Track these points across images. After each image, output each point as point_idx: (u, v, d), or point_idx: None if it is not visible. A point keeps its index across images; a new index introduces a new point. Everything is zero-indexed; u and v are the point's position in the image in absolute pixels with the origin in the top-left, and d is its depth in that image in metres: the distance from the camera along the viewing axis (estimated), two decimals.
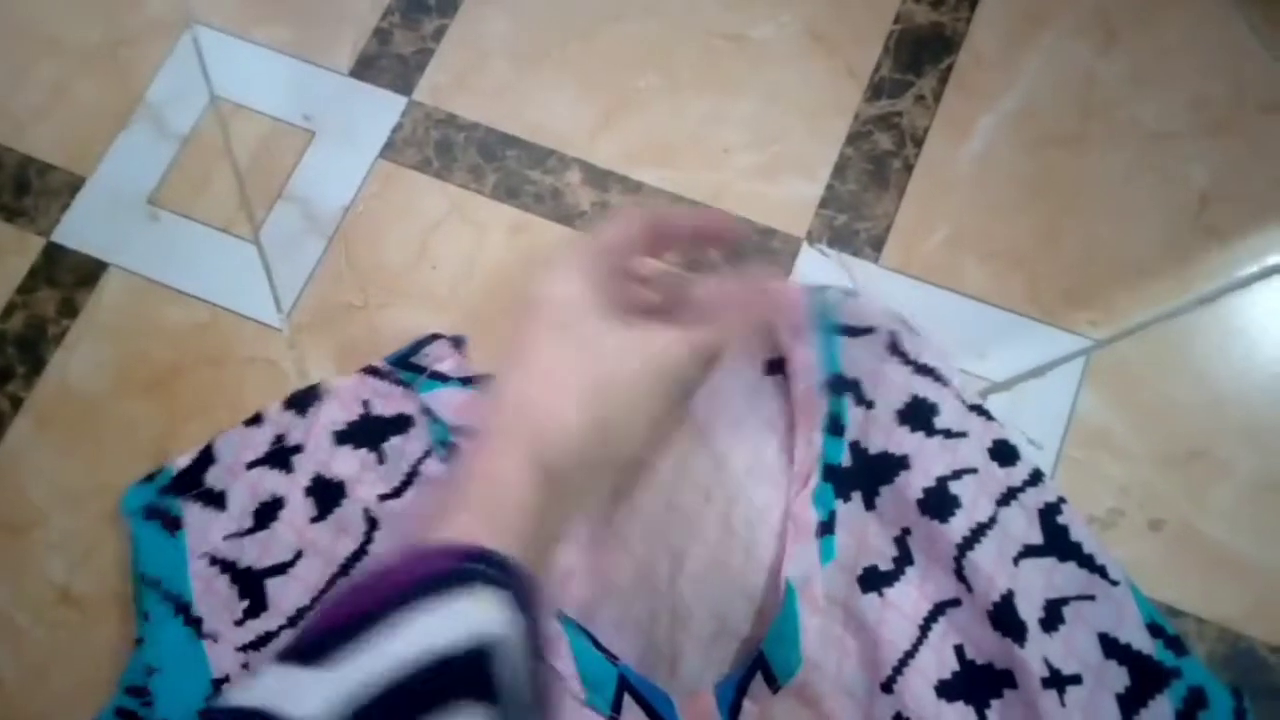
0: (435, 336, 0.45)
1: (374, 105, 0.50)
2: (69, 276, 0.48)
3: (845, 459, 0.41)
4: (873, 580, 0.40)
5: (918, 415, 0.41)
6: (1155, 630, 0.39)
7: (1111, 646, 0.38)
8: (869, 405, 0.41)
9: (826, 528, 0.41)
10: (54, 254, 0.48)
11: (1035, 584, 0.39)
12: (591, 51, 0.51)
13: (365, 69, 0.51)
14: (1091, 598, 0.39)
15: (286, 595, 0.40)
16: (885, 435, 0.41)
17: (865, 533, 0.41)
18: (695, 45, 0.51)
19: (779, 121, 0.49)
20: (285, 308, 0.47)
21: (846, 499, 0.41)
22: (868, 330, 0.42)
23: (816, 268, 0.47)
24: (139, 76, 0.51)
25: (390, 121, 0.50)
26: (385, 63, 0.51)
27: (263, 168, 0.49)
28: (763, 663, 0.38)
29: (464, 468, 0.32)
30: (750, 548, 0.42)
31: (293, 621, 0.39)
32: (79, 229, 0.49)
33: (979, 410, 0.42)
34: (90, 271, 0.48)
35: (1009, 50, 0.49)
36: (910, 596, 0.40)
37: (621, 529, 0.42)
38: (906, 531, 0.41)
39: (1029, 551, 0.40)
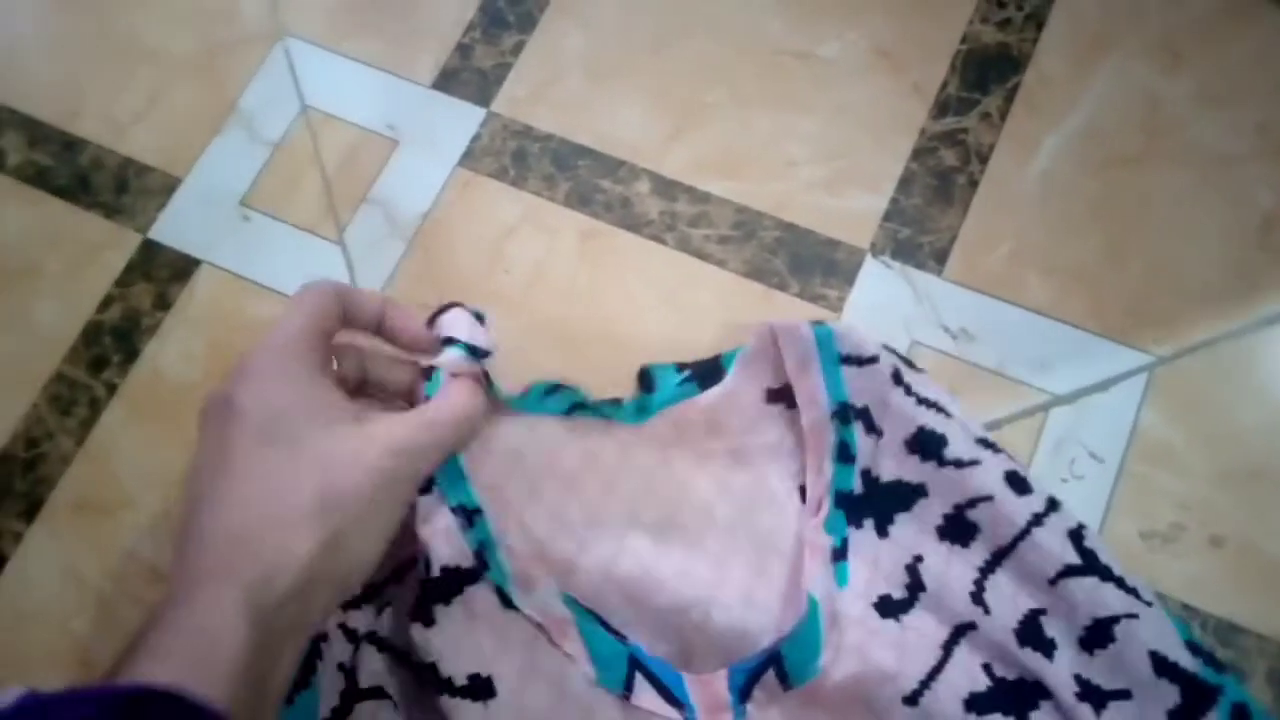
0: (453, 305, 0.42)
1: (454, 116, 0.52)
2: (164, 272, 0.50)
3: (857, 486, 0.42)
4: (888, 608, 0.41)
5: (927, 446, 0.41)
6: (1193, 649, 0.39)
7: (1162, 665, 0.38)
8: (879, 434, 0.42)
9: (839, 554, 0.41)
10: (150, 250, 0.51)
11: (1080, 603, 0.39)
12: (662, 67, 0.53)
13: (447, 82, 0.53)
14: (1136, 616, 0.39)
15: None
16: (897, 464, 0.42)
17: (877, 560, 0.41)
18: (762, 62, 0.52)
19: (844, 136, 0.50)
20: None
21: (859, 525, 0.42)
22: (871, 360, 0.42)
23: (880, 279, 0.48)
24: (233, 85, 0.54)
25: (469, 131, 0.52)
26: (466, 76, 0.53)
27: (348, 173, 0.52)
28: (778, 661, 0.39)
29: (163, 614, 0.27)
30: (760, 568, 0.41)
31: (366, 595, 0.40)
32: (174, 227, 0.51)
33: (986, 443, 0.42)
34: (184, 267, 0.50)
35: (1075, 71, 0.50)
36: (928, 622, 0.40)
37: (626, 536, 0.41)
38: (919, 559, 0.41)
39: (1070, 571, 0.39)
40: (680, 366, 0.45)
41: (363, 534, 0.31)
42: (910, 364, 0.43)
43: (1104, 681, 0.39)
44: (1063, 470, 0.44)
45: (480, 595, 0.39)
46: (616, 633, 0.40)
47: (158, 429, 0.48)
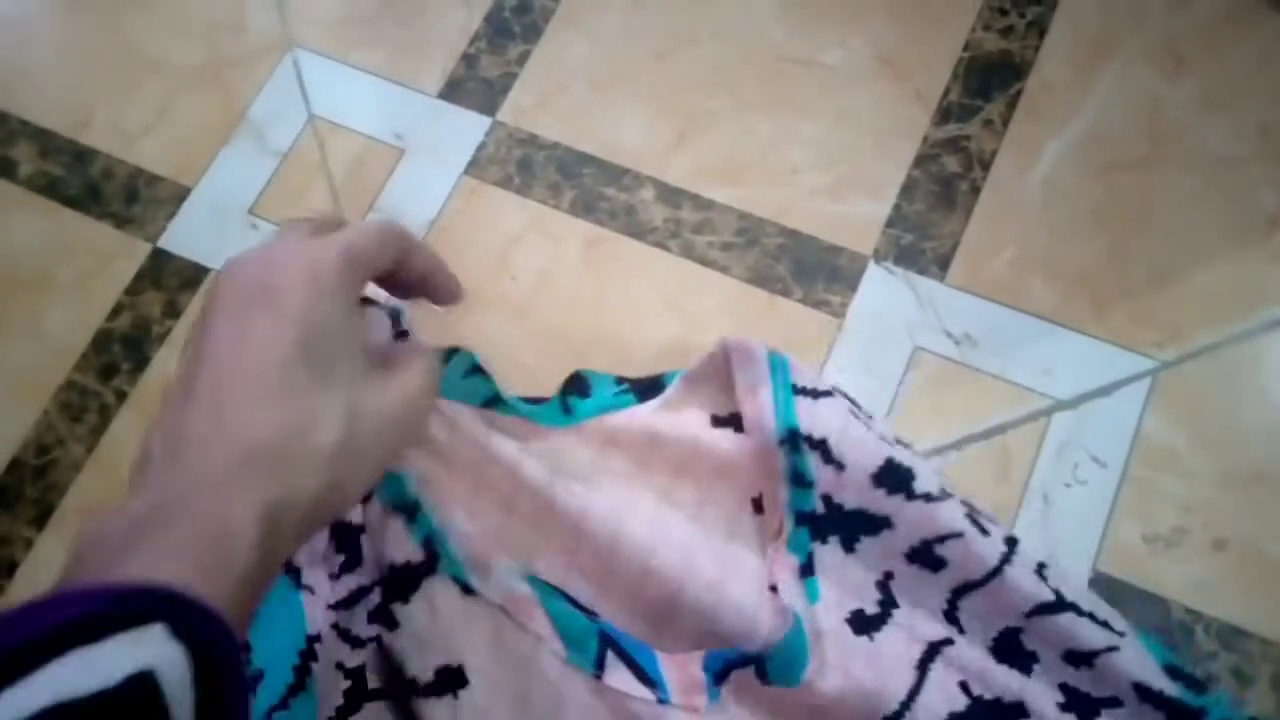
0: (368, 301, 0.42)
1: (460, 125, 0.53)
2: (173, 280, 0.51)
3: (818, 507, 0.41)
4: (861, 624, 0.40)
5: (894, 478, 0.40)
6: (1173, 672, 0.39)
7: (1145, 693, 0.38)
8: (839, 466, 0.40)
9: (807, 570, 0.41)
10: (160, 259, 0.51)
11: (1058, 634, 0.39)
12: (665, 75, 0.53)
13: (453, 91, 0.54)
14: (1116, 649, 0.38)
15: (375, 549, 0.40)
16: (860, 496, 0.40)
17: (845, 575, 0.41)
18: (765, 69, 0.52)
19: (847, 143, 0.51)
20: None
21: (824, 541, 0.41)
22: (827, 393, 0.41)
23: (883, 285, 0.48)
24: (242, 96, 0.55)
25: (475, 140, 0.52)
26: (472, 85, 0.54)
27: (356, 182, 0.52)
28: (760, 663, 0.38)
29: (171, 506, 0.26)
30: (728, 569, 0.40)
31: (355, 597, 0.40)
32: (183, 236, 0.52)
33: (941, 489, 0.41)
34: (193, 276, 0.51)
35: (1077, 77, 0.51)
36: (900, 640, 0.40)
37: (582, 523, 0.40)
38: (889, 575, 0.41)
39: (1044, 609, 0.39)
40: (619, 379, 0.44)
41: (356, 483, 0.30)
42: (859, 409, 0.42)
43: (1093, 689, 0.39)
44: (1065, 475, 0.44)
45: (439, 587, 0.39)
46: (586, 609, 0.39)
47: None
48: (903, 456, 0.40)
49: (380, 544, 0.39)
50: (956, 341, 0.46)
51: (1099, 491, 0.44)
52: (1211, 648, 0.41)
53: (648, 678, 0.39)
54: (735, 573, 0.40)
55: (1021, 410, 0.45)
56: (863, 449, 0.40)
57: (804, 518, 0.41)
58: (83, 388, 0.49)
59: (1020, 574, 0.39)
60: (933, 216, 0.49)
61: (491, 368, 0.42)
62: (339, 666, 0.38)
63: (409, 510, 0.39)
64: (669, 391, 0.43)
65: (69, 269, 0.52)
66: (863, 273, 0.48)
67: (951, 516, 0.39)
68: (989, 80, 0.51)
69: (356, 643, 0.39)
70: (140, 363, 0.50)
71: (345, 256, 0.30)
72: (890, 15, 0.53)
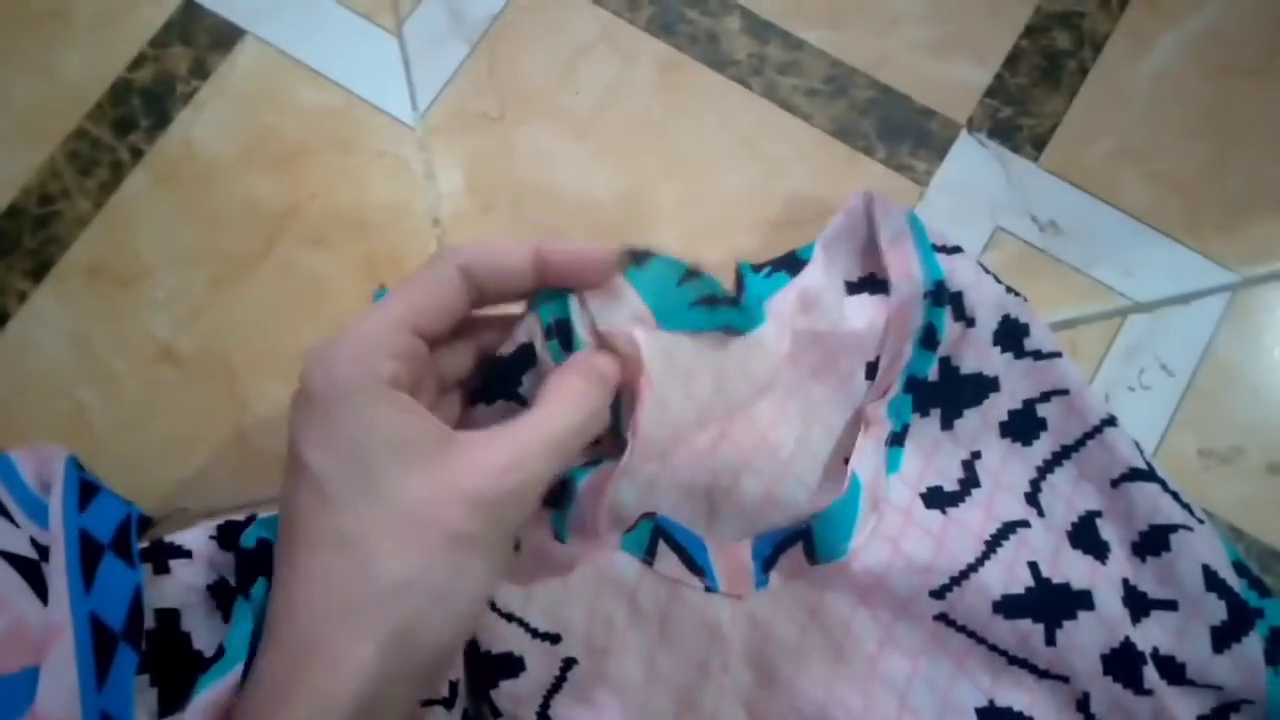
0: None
1: None
2: (204, 37, 0.46)
3: (933, 374, 0.40)
4: (936, 499, 0.39)
5: (1009, 335, 0.39)
6: (1239, 570, 0.38)
7: (1212, 579, 0.38)
8: (969, 322, 0.39)
9: (897, 439, 0.39)
10: (192, 11, 0.47)
11: (1139, 507, 0.38)
12: None
13: None
14: (1191, 529, 0.38)
15: None
16: (981, 356, 0.40)
17: (935, 452, 0.40)
18: None
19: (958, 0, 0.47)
20: (420, 107, 0.46)
21: (924, 414, 0.40)
22: (956, 249, 0.40)
23: (972, 157, 0.45)
24: None
25: None
26: None
27: None
28: (808, 537, 0.37)
29: None
30: (804, 439, 0.39)
31: None
32: None
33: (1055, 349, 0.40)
34: (226, 36, 0.46)
35: None
36: (975, 516, 0.39)
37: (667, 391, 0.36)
38: (976, 455, 0.40)
39: (1135, 475, 0.39)
40: (754, 267, 0.40)
41: (446, 611, 0.24)
42: (984, 265, 0.41)
43: (1150, 589, 0.38)
44: (1131, 378, 0.42)
45: None
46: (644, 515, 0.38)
47: (185, 203, 0.44)
48: (1019, 311, 0.39)
49: None
50: (1041, 227, 0.44)
51: (1161, 399, 0.42)
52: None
53: (696, 565, 0.37)
54: (811, 440, 0.38)
55: (1097, 307, 0.43)
56: (990, 304, 0.39)
57: (914, 384, 0.39)
58: (95, 139, 0.45)
59: (1121, 437, 0.38)
60: (1035, 93, 0.46)
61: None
62: None
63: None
64: (812, 262, 0.40)
65: (90, 6, 0.47)
66: (953, 141, 0.45)
67: (1064, 374, 0.39)
68: None
69: None
70: (161, 121, 0.45)
71: (354, 354, 0.25)
72: None
